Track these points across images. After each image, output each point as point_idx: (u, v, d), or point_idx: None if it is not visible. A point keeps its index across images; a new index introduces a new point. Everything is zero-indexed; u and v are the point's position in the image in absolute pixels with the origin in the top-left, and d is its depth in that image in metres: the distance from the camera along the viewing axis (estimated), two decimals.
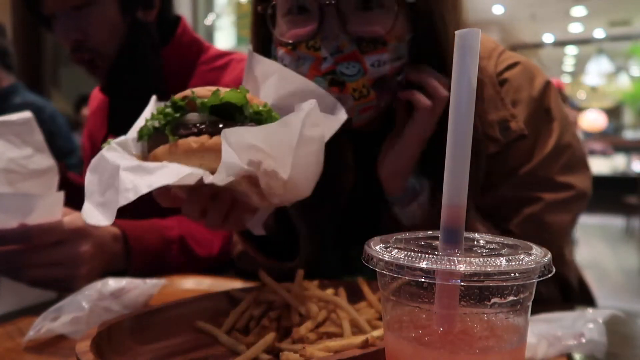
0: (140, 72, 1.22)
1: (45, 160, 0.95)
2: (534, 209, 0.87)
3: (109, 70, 1.24)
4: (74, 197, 0.92)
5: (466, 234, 0.41)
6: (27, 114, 0.94)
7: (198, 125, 0.64)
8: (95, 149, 1.41)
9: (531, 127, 0.87)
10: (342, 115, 0.74)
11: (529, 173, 0.87)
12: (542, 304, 0.72)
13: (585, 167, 0.92)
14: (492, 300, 0.37)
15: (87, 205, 0.61)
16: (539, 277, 0.37)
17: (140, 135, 0.68)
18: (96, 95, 1.47)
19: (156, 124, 0.67)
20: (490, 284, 0.36)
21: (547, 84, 0.90)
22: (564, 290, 0.94)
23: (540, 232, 0.87)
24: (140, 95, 1.25)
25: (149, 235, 1.04)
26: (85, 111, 2.92)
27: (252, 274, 0.77)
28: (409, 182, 0.86)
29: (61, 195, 0.86)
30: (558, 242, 0.91)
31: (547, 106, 0.89)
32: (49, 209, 0.84)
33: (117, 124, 1.29)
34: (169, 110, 0.66)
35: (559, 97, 0.92)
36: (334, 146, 0.75)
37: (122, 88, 1.25)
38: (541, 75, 0.92)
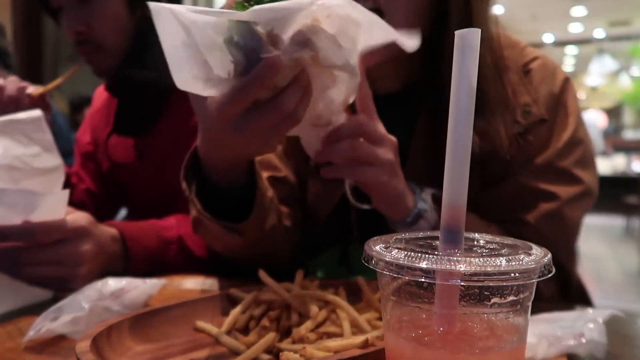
0: (151, 69, 1.21)
1: (52, 160, 0.94)
2: (552, 204, 0.88)
3: (119, 67, 1.24)
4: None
5: (466, 234, 0.41)
6: (36, 113, 0.93)
7: None
8: (98, 146, 1.40)
9: (548, 118, 0.90)
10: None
11: (545, 163, 0.89)
12: (543, 303, 0.73)
13: (594, 166, 0.94)
14: (492, 300, 0.37)
15: None
16: (539, 277, 0.37)
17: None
18: (100, 93, 1.47)
19: None
20: (490, 284, 0.36)
21: (567, 80, 0.94)
22: (565, 288, 0.94)
23: (558, 227, 0.88)
24: (149, 93, 1.24)
25: (147, 236, 1.04)
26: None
27: (252, 274, 0.77)
28: (413, 202, 0.81)
29: (66, 193, 0.86)
30: (572, 238, 0.93)
31: (565, 101, 0.92)
32: (53, 207, 0.84)
33: (124, 123, 1.28)
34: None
35: (576, 94, 0.95)
36: None
37: (133, 85, 1.24)
38: (561, 72, 0.95)
